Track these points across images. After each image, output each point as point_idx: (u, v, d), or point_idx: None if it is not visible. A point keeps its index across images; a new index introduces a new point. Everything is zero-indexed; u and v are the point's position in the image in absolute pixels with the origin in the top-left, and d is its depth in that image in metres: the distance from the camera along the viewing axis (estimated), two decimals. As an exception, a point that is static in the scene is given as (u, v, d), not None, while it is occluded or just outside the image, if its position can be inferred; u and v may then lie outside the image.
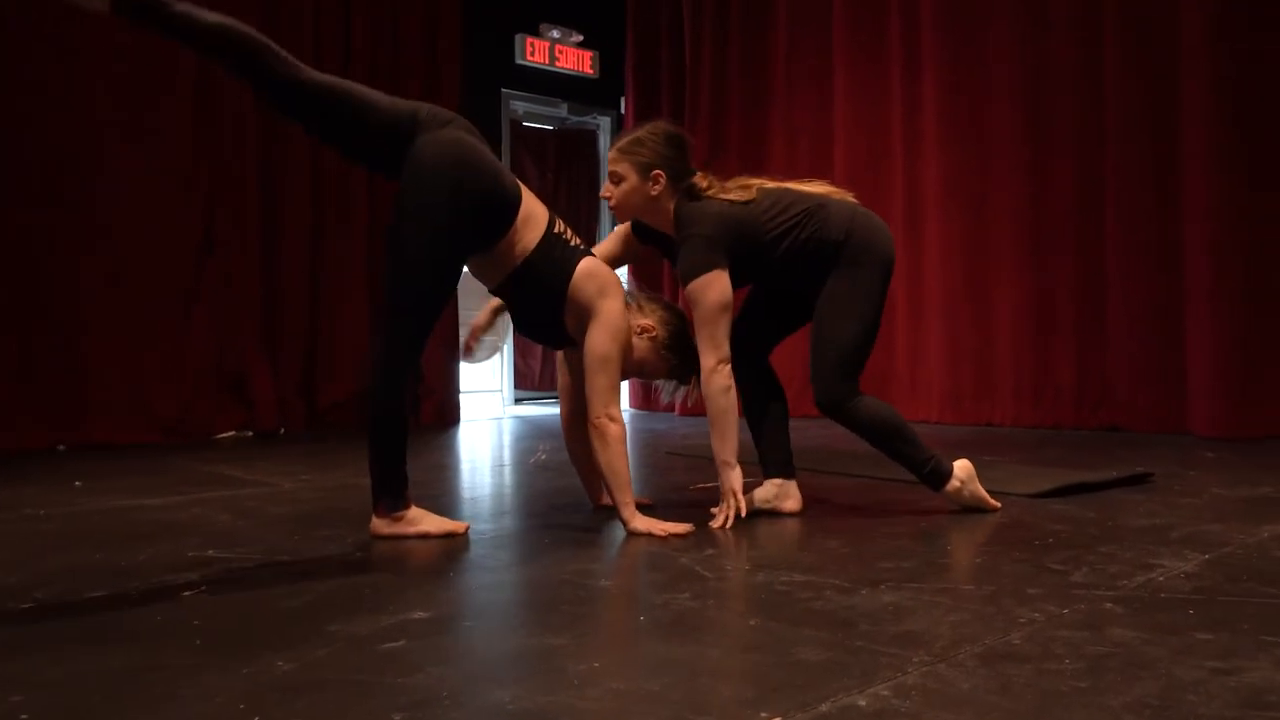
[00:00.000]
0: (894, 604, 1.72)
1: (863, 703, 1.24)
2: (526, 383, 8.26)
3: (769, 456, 2.69)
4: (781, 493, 2.68)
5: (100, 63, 5.00)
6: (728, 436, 2.49)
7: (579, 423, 2.75)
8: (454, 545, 2.33)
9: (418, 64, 6.16)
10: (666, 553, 2.20)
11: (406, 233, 2.27)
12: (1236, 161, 4.49)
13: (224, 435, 5.28)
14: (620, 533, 2.42)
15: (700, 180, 2.59)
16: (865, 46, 6.10)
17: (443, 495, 3.18)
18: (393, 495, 2.37)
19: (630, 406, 6.93)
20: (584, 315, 2.45)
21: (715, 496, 2.60)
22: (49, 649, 1.52)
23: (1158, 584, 1.84)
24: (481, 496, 3.26)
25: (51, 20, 4.86)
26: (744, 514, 2.49)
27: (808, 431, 5.00)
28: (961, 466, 2.65)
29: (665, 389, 2.76)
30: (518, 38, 7.32)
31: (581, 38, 7.67)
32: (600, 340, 2.43)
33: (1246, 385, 4.44)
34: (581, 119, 8.05)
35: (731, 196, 2.56)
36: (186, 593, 1.88)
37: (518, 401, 7.68)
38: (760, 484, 2.74)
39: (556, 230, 2.46)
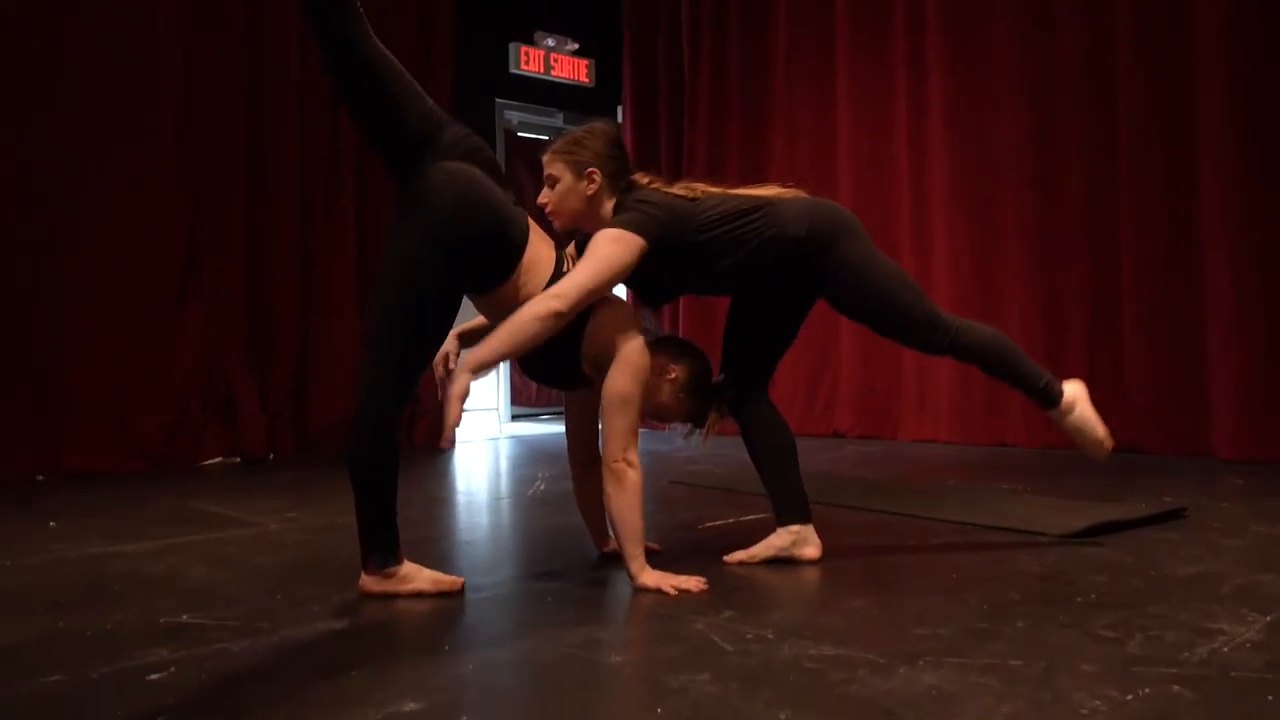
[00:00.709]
0: (937, 688, 1.55)
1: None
2: (523, 399, 8.10)
3: (783, 502, 2.52)
4: (799, 539, 2.51)
5: (77, 80, 4.81)
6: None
7: (589, 462, 2.58)
8: (449, 608, 2.15)
9: (410, 72, 5.96)
10: (680, 615, 2.02)
11: (395, 267, 2.11)
12: (1256, 167, 4.33)
13: (210, 462, 5.09)
14: (627, 588, 2.25)
15: (640, 178, 2.45)
16: (868, 47, 5.93)
17: (440, 538, 3.00)
18: (383, 552, 2.20)
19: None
20: (603, 356, 2.28)
21: (726, 537, 2.43)
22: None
23: (1224, 657, 1.67)
24: (479, 539, 3.08)
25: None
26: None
27: (810, 455, 4.83)
28: (1073, 389, 2.55)
29: (680, 431, 2.60)
30: (512, 46, 7.16)
31: (577, 46, 7.51)
32: (622, 380, 2.26)
33: (1270, 405, 4.27)
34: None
35: (675, 191, 2.43)
36: (154, 675, 1.70)
37: (514, 419, 7.51)
38: (774, 530, 2.56)
39: (565, 271, 2.28)
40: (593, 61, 7.58)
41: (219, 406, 5.22)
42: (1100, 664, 1.65)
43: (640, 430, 2.34)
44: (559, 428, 5.34)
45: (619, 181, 2.42)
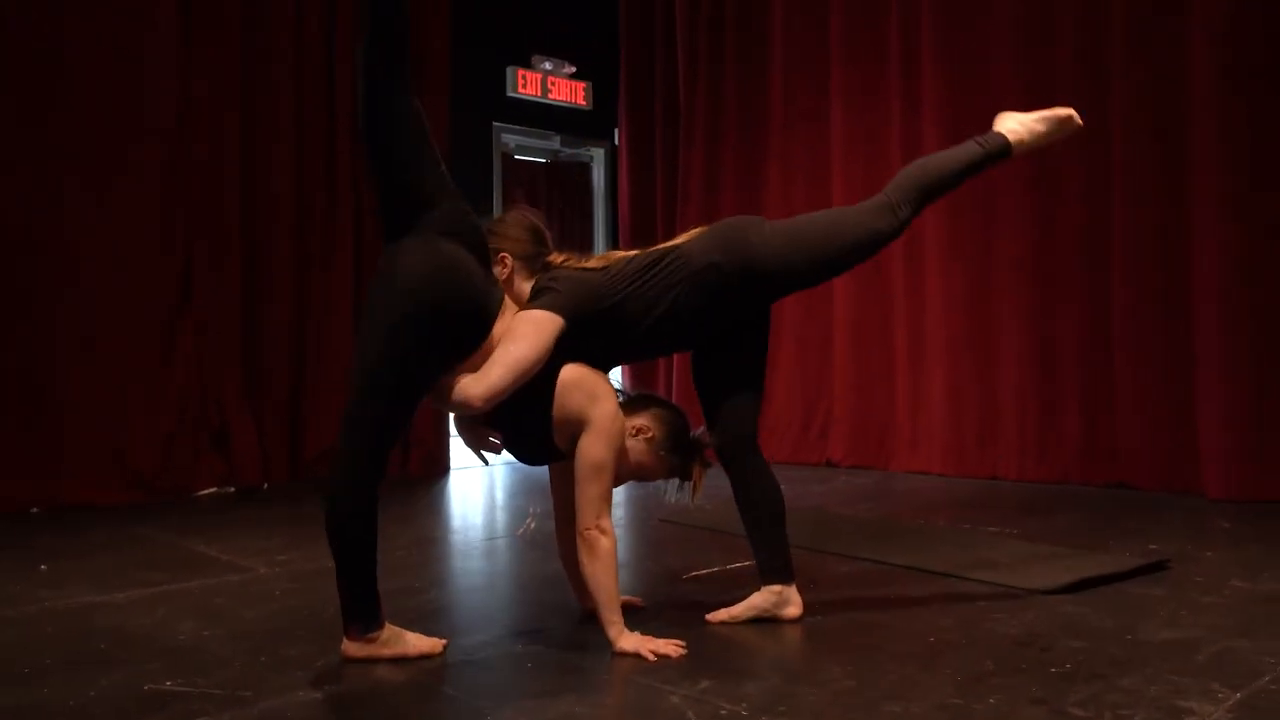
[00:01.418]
0: (904, 778, 1.57)
1: None
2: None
3: (767, 562, 2.54)
4: (781, 600, 2.53)
5: (65, 109, 4.84)
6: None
7: (570, 518, 2.60)
8: (429, 675, 2.18)
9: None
10: (657, 686, 2.04)
11: (369, 348, 2.16)
12: (1247, 213, 4.35)
13: (205, 493, 5.11)
14: (607, 654, 2.27)
15: (556, 258, 2.52)
16: (863, 82, 5.96)
17: (426, 589, 3.01)
18: (364, 619, 2.22)
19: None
20: (575, 426, 2.31)
21: (711, 588, 2.45)
22: None
23: (1190, 744, 1.69)
24: (465, 590, 3.11)
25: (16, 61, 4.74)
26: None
27: (802, 486, 4.84)
28: (1006, 125, 2.71)
29: (668, 489, 2.60)
30: (509, 70, 7.19)
31: (574, 69, 7.54)
32: (594, 448, 2.29)
33: (1259, 446, 4.29)
34: (575, 151, 7.91)
35: (587, 265, 2.50)
36: (133, 755, 1.72)
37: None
38: (758, 587, 2.58)
39: None
40: (590, 84, 7.61)
41: (214, 437, 5.24)
42: (1067, 750, 1.67)
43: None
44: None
45: (534, 264, 2.50)
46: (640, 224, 7.33)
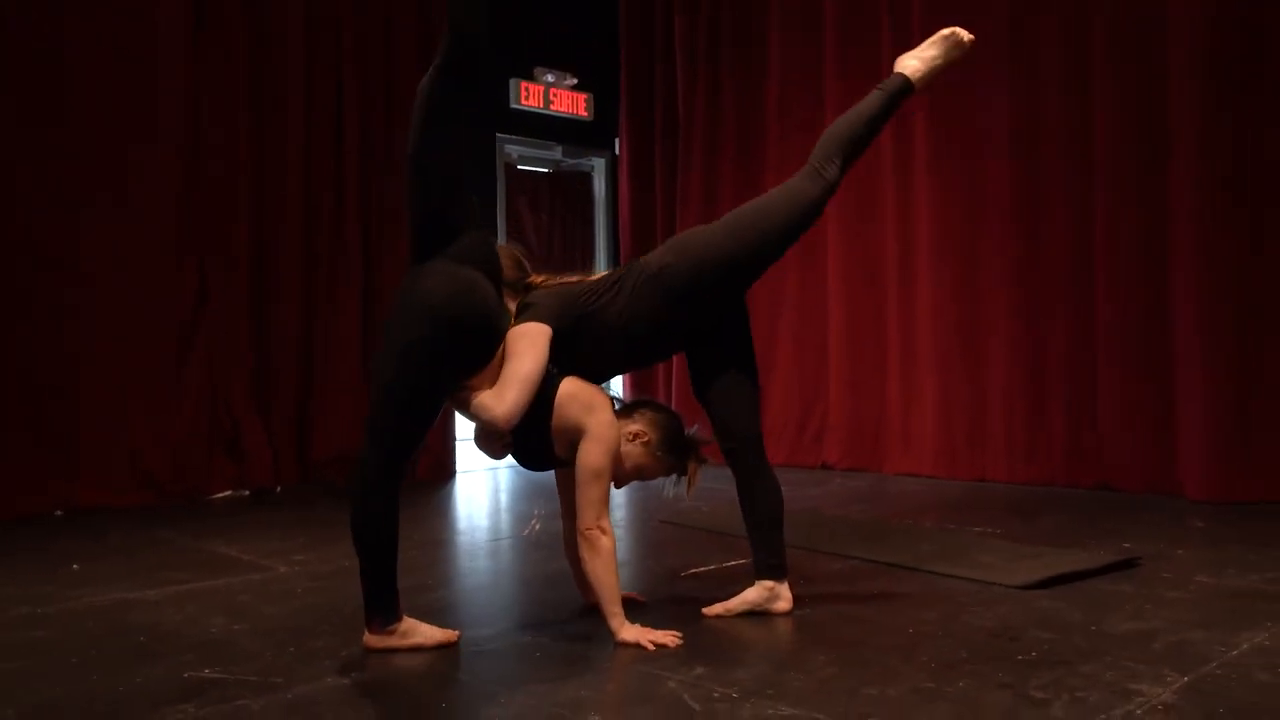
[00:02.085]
0: (877, 751, 1.75)
1: None
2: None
3: (763, 560, 2.72)
4: (773, 595, 2.71)
5: (79, 115, 5.01)
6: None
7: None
8: (445, 663, 2.36)
9: (410, 110, 6.17)
10: (655, 672, 2.22)
11: (389, 362, 2.35)
12: (1226, 221, 4.52)
13: (219, 496, 5.29)
14: (609, 644, 2.45)
15: (536, 279, 2.73)
16: (857, 94, 6.11)
17: (438, 586, 3.20)
18: (385, 612, 2.41)
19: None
20: (573, 434, 2.50)
21: (708, 584, 2.62)
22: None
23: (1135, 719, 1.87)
24: (475, 587, 3.29)
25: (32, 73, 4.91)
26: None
27: (798, 489, 5.02)
28: (907, 65, 2.94)
29: (665, 485, 2.78)
30: (512, 82, 7.36)
31: (576, 81, 7.71)
32: (592, 454, 2.48)
33: (1237, 448, 4.46)
34: (576, 161, 8.09)
35: (564, 280, 2.73)
36: (181, 734, 1.90)
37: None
38: (752, 582, 2.75)
39: None
40: (591, 96, 7.78)
41: (226, 440, 5.42)
42: (1026, 727, 1.85)
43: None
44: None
45: (517, 288, 2.70)
46: (641, 232, 7.50)
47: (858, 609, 2.79)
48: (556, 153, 7.85)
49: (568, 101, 7.71)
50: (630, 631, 2.44)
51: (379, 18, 6.09)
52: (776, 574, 2.72)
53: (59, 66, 4.97)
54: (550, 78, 7.60)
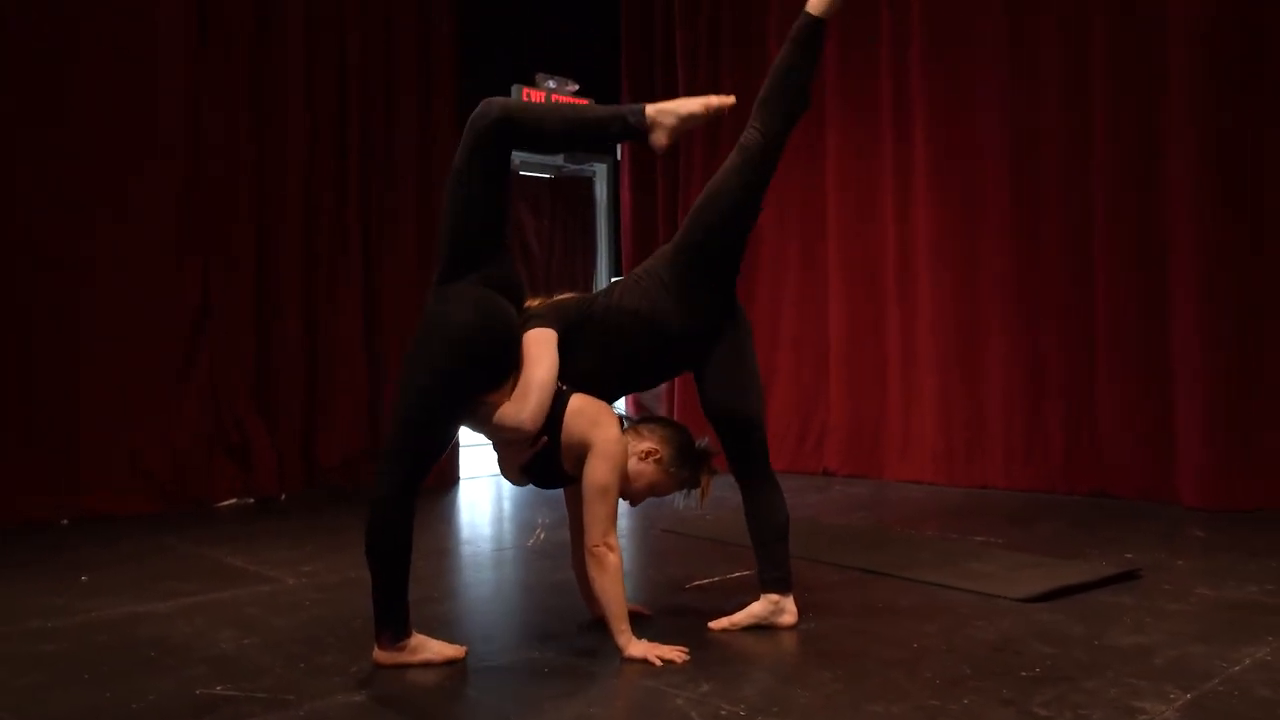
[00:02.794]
0: (883, 771, 1.77)
1: None
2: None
3: (768, 574, 2.75)
4: (778, 609, 2.74)
5: (79, 115, 5.02)
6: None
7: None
8: (454, 679, 2.38)
9: (413, 116, 6.22)
10: (662, 689, 2.25)
11: (414, 385, 2.40)
12: (1224, 226, 4.54)
13: (224, 504, 5.32)
14: (616, 659, 2.47)
15: (532, 301, 2.76)
16: (856, 101, 6.16)
17: (445, 599, 3.23)
18: (395, 628, 2.43)
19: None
20: (580, 450, 2.52)
21: (712, 596, 2.64)
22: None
23: (1140, 740, 1.90)
24: (481, 600, 3.31)
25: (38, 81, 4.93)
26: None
27: (799, 496, 5.05)
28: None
29: (677, 498, 2.80)
30: (514, 88, 7.37)
31: (577, 87, 7.73)
32: (599, 470, 2.50)
33: (1235, 456, 4.48)
34: (578, 167, 8.12)
35: (559, 298, 2.79)
36: (195, 753, 1.93)
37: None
38: (757, 596, 2.78)
39: None
40: (593, 102, 7.80)
41: (231, 448, 5.43)
42: (1030, 745, 1.88)
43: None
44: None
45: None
46: (642, 237, 7.52)
47: (861, 622, 2.81)
48: (558, 158, 7.88)
49: (569, 107, 7.73)
50: (637, 647, 2.47)
51: (379, 18, 6.11)
52: (781, 587, 2.75)
53: (59, 66, 4.99)
54: (552, 84, 7.62)
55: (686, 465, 2.71)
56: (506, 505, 5.42)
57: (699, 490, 2.76)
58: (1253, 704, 2.08)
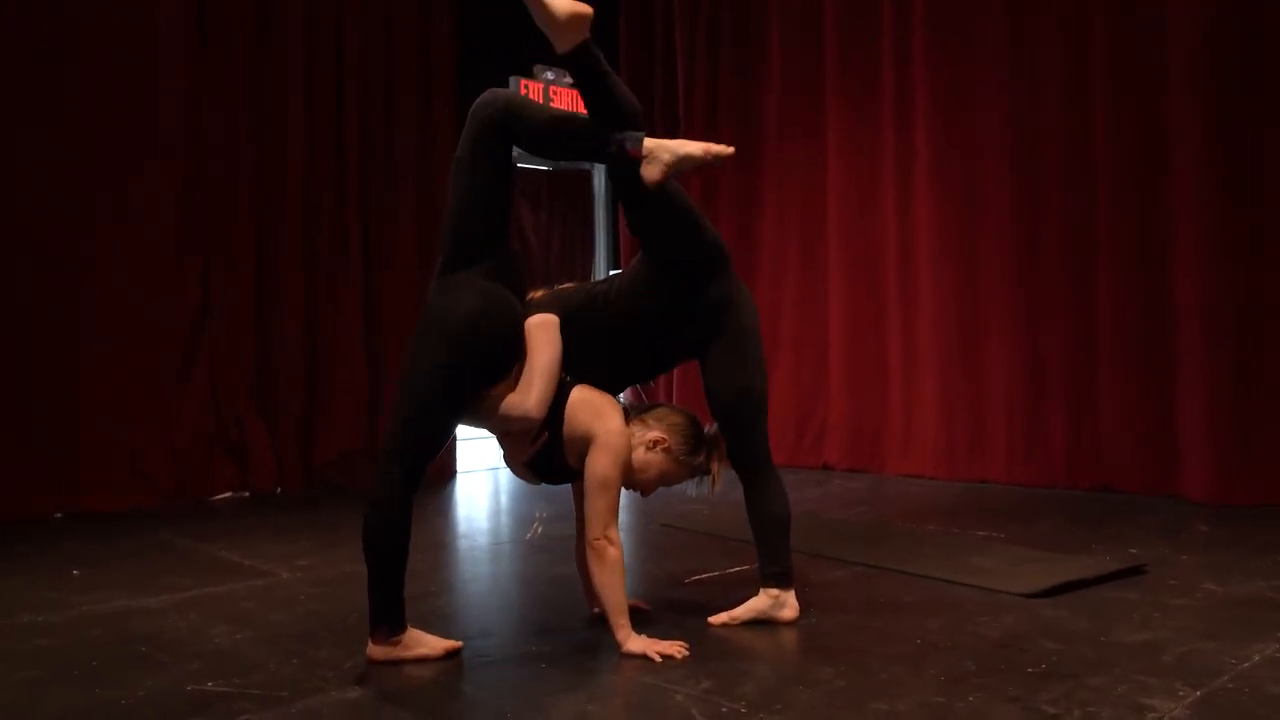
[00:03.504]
0: (888, 769, 1.73)
1: None
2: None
3: (769, 569, 2.71)
4: (779, 603, 2.70)
5: (79, 115, 4.98)
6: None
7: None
8: (450, 675, 2.34)
9: (412, 115, 6.18)
10: (662, 685, 2.21)
11: (417, 381, 2.37)
12: (1226, 221, 4.52)
13: (220, 497, 5.28)
14: (615, 654, 2.43)
15: (535, 293, 2.73)
16: (857, 96, 6.12)
17: (441, 593, 3.19)
18: (390, 623, 2.39)
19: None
20: (583, 443, 2.48)
21: (711, 591, 2.61)
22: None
23: (1149, 738, 1.86)
24: (478, 594, 3.27)
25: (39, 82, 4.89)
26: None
27: (799, 490, 5.01)
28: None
29: (688, 486, 2.76)
30: (512, 80, 7.33)
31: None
32: (600, 463, 2.46)
33: (1238, 451, 4.45)
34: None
35: (558, 288, 2.77)
36: (186, 750, 1.89)
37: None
38: (757, 590, 2.74)
39: None
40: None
41: (228, 443, 5.40)
42: (1037, 744, 1.84)
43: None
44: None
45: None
46: (640, 231, 7.47)
47: (863, 618, 2.77)
48: (557, 152, 7.82)
49: (568, 100, 7.67)
50: (637, 643, 2.43)
51: (379, 18, 6.07)
52: (782, 582, 2.71)
53: (59, 66, 4.95)
54: (550, 75, 7.57)
55: (696, 453, 2.66)
56: (504, 499, 5.39)
57: (710, 478, 2.72)
58: (1264, 701, 2.04)
